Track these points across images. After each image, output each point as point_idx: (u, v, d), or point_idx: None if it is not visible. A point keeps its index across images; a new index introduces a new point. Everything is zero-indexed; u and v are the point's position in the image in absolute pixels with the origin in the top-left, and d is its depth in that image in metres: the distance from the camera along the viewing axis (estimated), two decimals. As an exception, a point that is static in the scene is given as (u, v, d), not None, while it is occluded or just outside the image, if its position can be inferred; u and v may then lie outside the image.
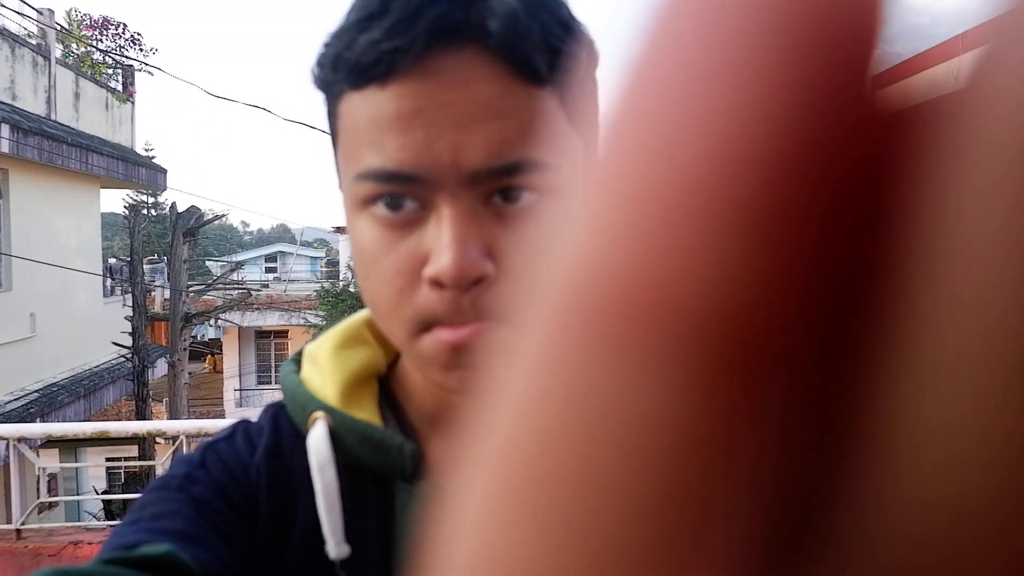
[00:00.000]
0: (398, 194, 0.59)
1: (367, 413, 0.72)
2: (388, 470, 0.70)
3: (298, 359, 0.81)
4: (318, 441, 0.70)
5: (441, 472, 0.72)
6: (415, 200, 0.59)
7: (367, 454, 0.70)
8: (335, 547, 0.68)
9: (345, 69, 0.58)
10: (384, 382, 0.77)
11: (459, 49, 0.57)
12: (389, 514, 0.71)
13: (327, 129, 0.66)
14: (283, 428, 0.75)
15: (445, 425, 0.73)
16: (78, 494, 13.00)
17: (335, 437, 0.71)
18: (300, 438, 0.73)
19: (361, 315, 0.79)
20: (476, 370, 0.48)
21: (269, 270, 38.86)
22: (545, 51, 0.59)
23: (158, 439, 10.61)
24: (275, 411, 0.77)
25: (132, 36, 14.63)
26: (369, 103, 0.58)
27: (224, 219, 16.33)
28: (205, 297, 15.90)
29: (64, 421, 9.89)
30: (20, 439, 3.14)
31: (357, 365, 0.75)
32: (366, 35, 0.57)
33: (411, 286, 0.60)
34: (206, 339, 24.62)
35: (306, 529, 0.71)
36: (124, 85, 14.69)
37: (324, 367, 0.75)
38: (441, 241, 0.58)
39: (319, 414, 0.71)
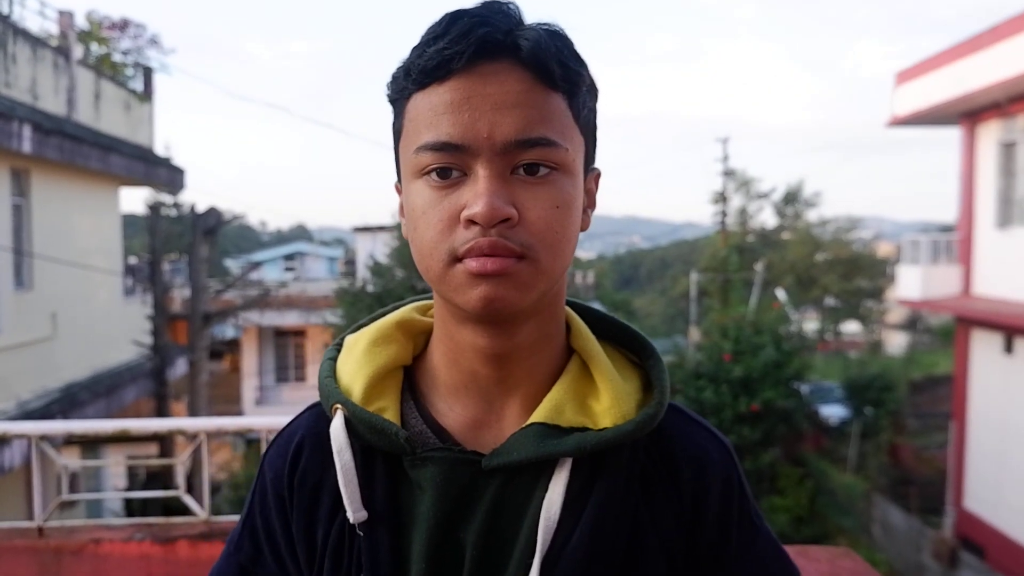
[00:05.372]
0: (447, 164, 0.79)
1: (386, 401, 0.90)
2: (393, 449, 0.88)
3: (339, 346, 1.00)
4: (336, 429, 0.90)
5: (462, 438, 0.90)
6: (459, 169, 0.80)
7: (374, 438, 0.89)
8: (353, 513, 0.87)
9: (416, 73, 0.80)
10: (409, 372, 0.95)
11: (498, 59, 0.80)
12: (395, 483, 0.89)
13: (392, 132, 0.87)
14: (316, 421, 0.95)
15: (467, 395, 0.91)
16: (99, 492, 13.08)
17: (351, 425, 0.89)
18: (329, 427, 0.92)
19: (394, 317, 0.97)
20: (495, 293, 0.74)
21: (287, 269, 38.97)
22: (559, 66, 0.81)
23: (178, 437, 10.66)
24: (313, 407, 0.98)
25: (151, 37, 14.69)
26: (430, 96, 0.80)
27: (243, 219, 16.39)
28: (224, 296, 15.97)
29: (85, 419, 9.93)
30: (42, 437, 3.15)
31: (385, 360, 0.93)
32: (433, 47, 0.79)
33: (450, 228, 0.80)
34: (225, 338, 24.70)
35: (331, 502, 0.90)
36: (144, 85, 14.75)
37: (357, 361, 0.94)
38: (477, 191, 0.78)
39: (337, 406, 0.90)
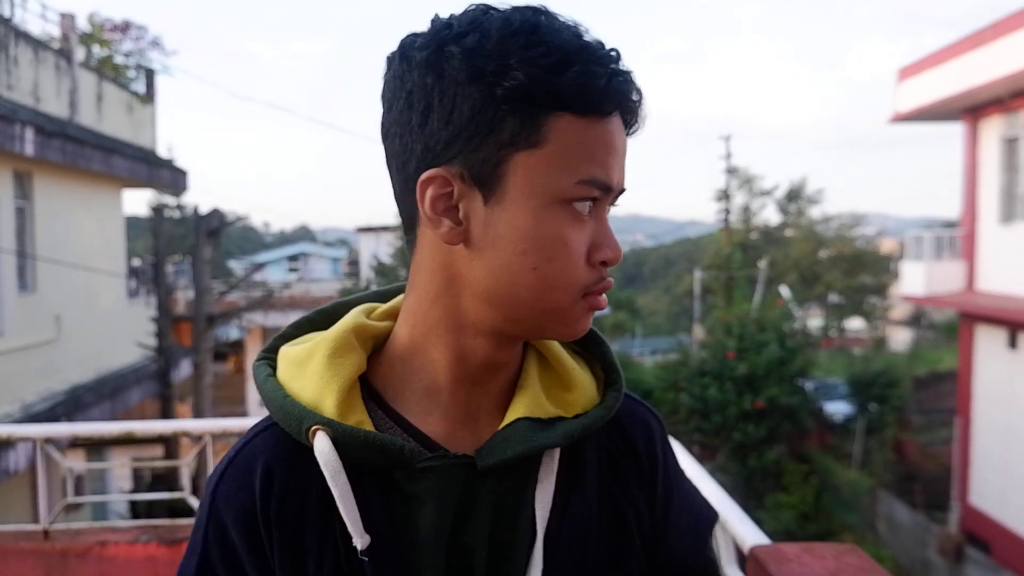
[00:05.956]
0: (595, 199, 0.82)
1: (360, 415, 0.86)
2: (389, 465, 0.85)
3: (269, 361, 0.93)
4: (325, 452, 0.83)
5: (444, 443, 0.87)
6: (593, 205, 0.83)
7: (368, 456, 0.84)
8: (359, 539, 0.82)
9: (582, 98, 0.78)
10: (363, 380, 0.90)
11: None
12: (389, 500, 0.85)
13: (492, 130, 0.78)
14: (279, 445, 0.88)
15: (450, 399, 0.88)
16: (104, 494, 13.10)
17: (338, 445, 0.83)
18: (299, 450, 0.85)
19: (347, 323, 0.91)
20: (589, 325, 0.80)
21: (291, 270, 39.02)
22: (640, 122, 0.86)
23: (183, 438, 10.67)
24: (265, 430, 0.89)
25: (153, 39, 14.70)
26: (593, 129, 0.80)
27: (246, 220, 16.40)
28: (228, 298, 15.98)
29: (90, 421, 9.94)
30: (47, 440, 3.15)
31: (350, 371, 0.87)
32: (601, 80, 0.78)
33: (585, 264, 0.82)
34: (229, 339, 24.72)
35: (320, 530, 0.84)
36: (146, 87, 14.76)
37: (321, 376, 0.87)
38: (607, 235, 0.83)
39: (317, 427, 0.83)
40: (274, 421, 0.88)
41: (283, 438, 0.87)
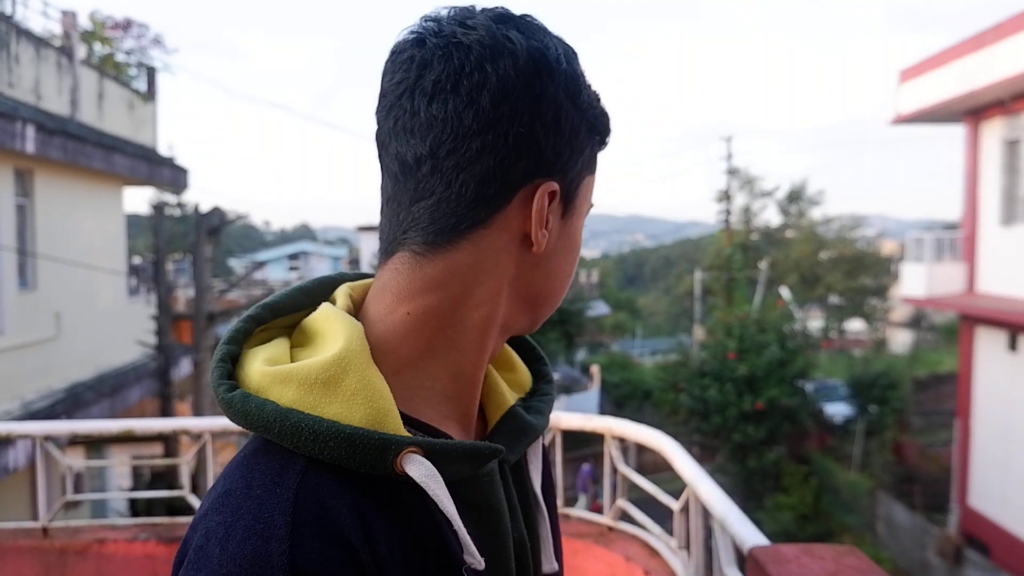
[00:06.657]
0: None
1: (403, 429, 0.77)
2: (470, 475, 0.81)
3: (231, 384, 0.79)
4: (431, 475, 0.76)
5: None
6: None
7: (457, 468, 0.79)
8: (477, 560, 0.77)
9: (609, 137, 0.89)
10: None
11: None
12: (466, 512, 0.80)
13: (581, 151, 0.85)
14: (347, 484, 0.74)
15: (468, 397, 0.86)
16: (104, 492, 13.10)
17: (434, 463, 0.76)
18: (373, 484, 0.75)
19: (358, 330, 0.80)
20: None
21: (291, 268, 39.06)
22: None
23: (183, 436, 10.67)
24: (308, 471, 0.74)
25: (154, 37, 14.70)
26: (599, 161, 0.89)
27: (246, 218, 16.41)
28: (228, 296, 15.98)
29: (90, 419, 9.93)
30: (46, 437, 3.15)
31: (386, 384, 0.79)
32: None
33: None
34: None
35: (427, 561, 0.76)
36: (147, 85, 14.76)
37: (371, 392, 0.77)
38: None
39: (412, 449, 0.74)
40: (310, 458, 0.74)
41: (346, 476, 0.75)
